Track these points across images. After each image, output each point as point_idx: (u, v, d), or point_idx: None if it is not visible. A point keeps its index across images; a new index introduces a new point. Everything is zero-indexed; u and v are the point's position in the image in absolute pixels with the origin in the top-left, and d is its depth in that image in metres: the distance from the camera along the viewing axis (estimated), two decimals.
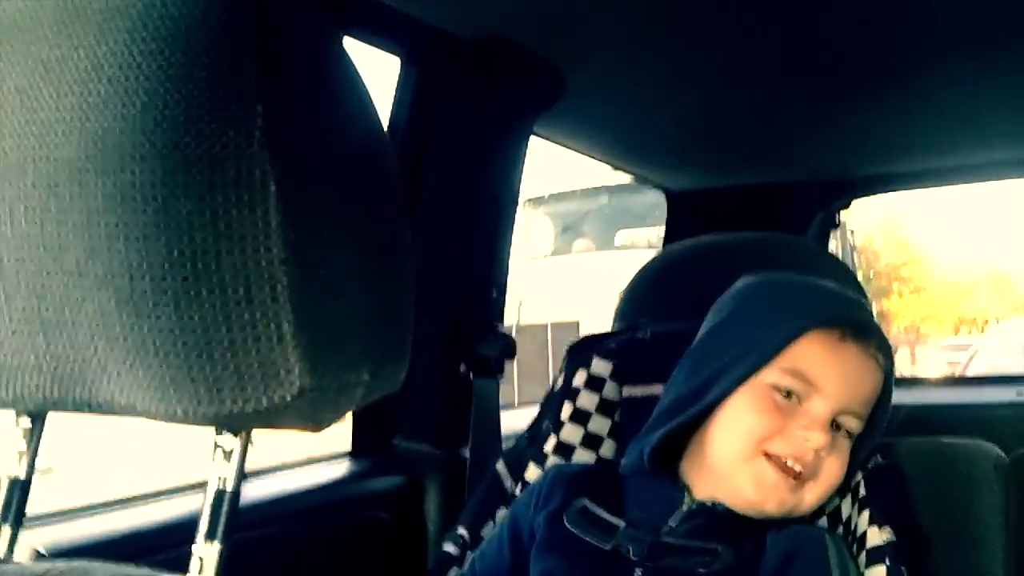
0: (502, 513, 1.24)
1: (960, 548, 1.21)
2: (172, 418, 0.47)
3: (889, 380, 1.05)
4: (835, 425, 1.02)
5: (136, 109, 0.44)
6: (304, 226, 0.45)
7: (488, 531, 1.24)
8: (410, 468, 1.55)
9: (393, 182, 0.52)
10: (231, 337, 0.44)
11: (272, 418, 0.46)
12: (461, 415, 1.58)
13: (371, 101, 0.52)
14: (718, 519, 1.03)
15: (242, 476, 0.52)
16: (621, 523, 1.05)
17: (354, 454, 1.58)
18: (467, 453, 1.55)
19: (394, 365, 0.51)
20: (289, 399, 0.45)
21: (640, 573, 1.01)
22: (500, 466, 1.30)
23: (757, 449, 1.01)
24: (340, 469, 1.53)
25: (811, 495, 1.02)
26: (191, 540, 0.52)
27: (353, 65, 0.52)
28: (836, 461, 1.02)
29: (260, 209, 0.44)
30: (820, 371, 1.01)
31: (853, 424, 1.03)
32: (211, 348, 0.44)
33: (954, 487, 1.24)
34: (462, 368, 1.60)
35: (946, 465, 1.25)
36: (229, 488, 0.52)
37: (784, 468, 1.00)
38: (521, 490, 1.25)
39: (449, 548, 1.22)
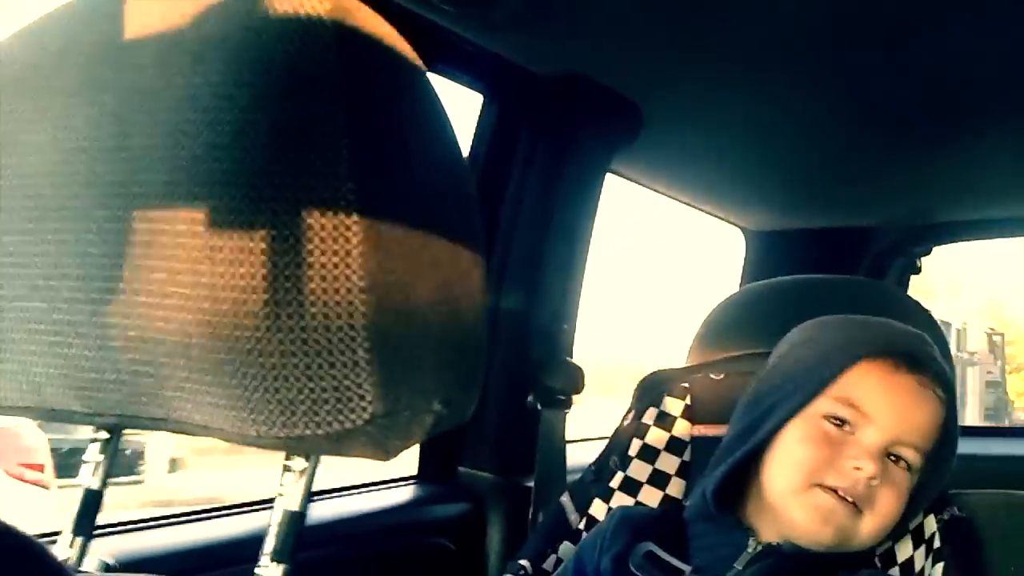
0: (565, 547, 1.24)
1: None
2: (245, 440, 0.48)
3: (951, 413, 1.02)
4: (892, 457, 1.00)
5: (227, 138, 0.46)
6: (384, 255, 0.46)
7: (550, 564, 1.23)
8: (474, 496, 1.56)
9: (472, 214, 0.53)
10: (307, 361, 0.45)
11: (342, 444, 0.47)
12: (527, 446, 1.58)
13: (454, 134, 0.53)
14: (786, 561, 1.01)
15: (309, 499, 0.53)
16: (687, 568, 1.04)
17: (420, 479, 1.59)
18: (531, 484, 1.55)
19: (465, 395, 0.52)
20: (360, 424, 0.46)
21: None
22: (565, 499, 1.29)
23: (808, 481, 0.99)
24: (405, 494, 1.54)
25: (868, 525, 0.99)
26: (253, 558, 0.53)
27: (438, 99, 0.53)
28: (892, 492, 0.99)
29: (342, 237, 0.45)
30: (871, 399, 0.99)
31: (910, 455, 1.00)
32: (287, 372, 0.45)
33: None
34: (529, 399, 1.61)
35: (1019, 518, 1.21)
36: (296, 509, 0.53)
37: (839, 498, 0.98)
38: (586, 526, 1.24)
39: None
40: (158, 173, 0.48)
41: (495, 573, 1.47)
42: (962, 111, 1.58)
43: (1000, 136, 1.67)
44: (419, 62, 0.52)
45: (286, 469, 0.54)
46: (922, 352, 1.03)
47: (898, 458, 1.00)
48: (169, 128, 0.48)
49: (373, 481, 1.52)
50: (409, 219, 0.48)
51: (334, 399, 0.46)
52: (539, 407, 1.60)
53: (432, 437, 1.41)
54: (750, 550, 1.02)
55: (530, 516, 1.49)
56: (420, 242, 0.48)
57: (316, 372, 0.45)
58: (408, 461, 1.63)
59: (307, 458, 0.53)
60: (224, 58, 0.47)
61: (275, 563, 0.52)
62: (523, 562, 1.23)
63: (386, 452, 0.49)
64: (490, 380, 1.62)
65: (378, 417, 0.46)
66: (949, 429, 1.02)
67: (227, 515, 1.18)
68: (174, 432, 0.52)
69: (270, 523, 0.53)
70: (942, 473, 1.04)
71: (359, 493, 1.47)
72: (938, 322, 1.36)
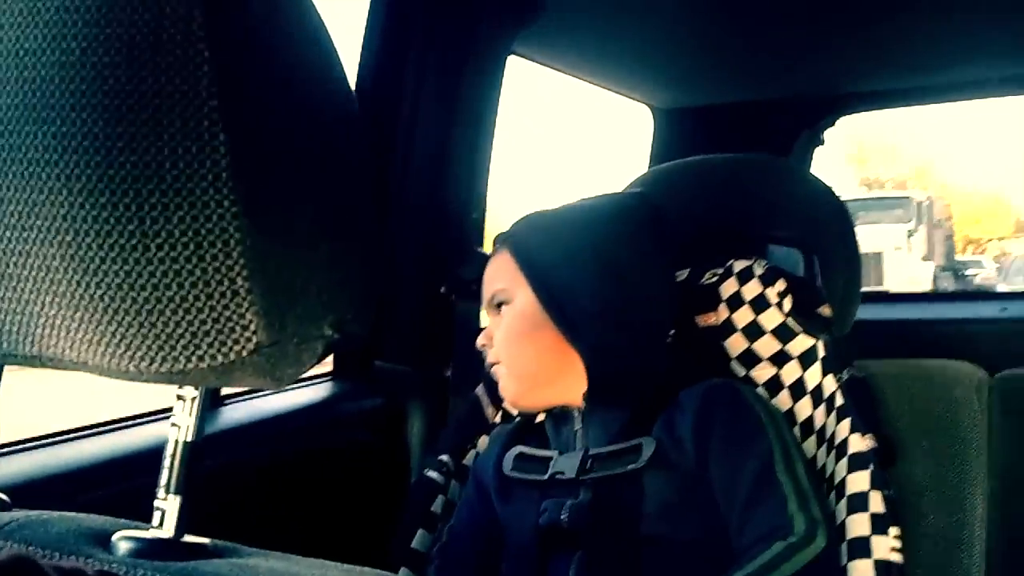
0: (483, 441, 1.25)
1: (941, 468, 1.22)
2: (124, 375, 0.46)
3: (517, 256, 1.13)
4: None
5: (75, 55, 0.42)
6: (258, 177, 0.44)
7: (470, 459, 1.25)
8: (392, 390, 1.55)
9: (354, 128, 0.50)
10: (182, 293, 0.43)
11: (229, 375, 0.45)
12: (443, 338, 1.58)
13: (331, 44, 0.50)
14: (599, 413, 1.10)
15: (202, 429, 0.51)
16: (554, 452, 1.11)
17: (335, 375, 1.58)
18: (448, 375, 1.56)
19: (359, 316, 0.50)
20: (246, 355, 0.44)
21: (584, 489, 1.05)
22: (480, 391, 1.30)
23: None
24: (321, 391, 1.53)
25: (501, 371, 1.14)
26: (152, 471, 0.51)
27: (313, 7, 0.49)
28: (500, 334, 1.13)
29: (210, 160, 0.42)
30: None
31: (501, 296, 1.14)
32: (161, 305, 0.43)
33: (935, 409, 1.24)
34: (443, 290, 1.60)
35: (925, 387, 1.26)
36: (190, 439, 0.51)
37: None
38: (502, 419, 1.26)
39: (432, 475, 1.23)
40: (5, 97, 0.44)
41: (416, 466, 1.48)
42: None
43: (904, 3, 1.67)
44: None
45: (178, 398, 0.52)
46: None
47: (499, 303, 1.14)
48: (12, 47, 0.43)
49: None
50: (285, 136, 0.45)
51: (215, 331, 0.44)
52: (452, 298, 1.59)
53: None
54: (577, 414, 1.11)
55: (449, 407, 1.50)
56: (298, 161, 0.46)
57: (193, 304, 0.43)
58: None
59: (197, 387, 0.51)
60: None
61: (172, 495, 0.51)
62: (443, 457, 1.25)
63: (277, 381, 0.47)
64: (402, 272, 1.60)
65: (264, 346, 0.44)
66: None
67: (123, 428, 1.15)
68: (52, 368, 0.50)
69: (163, 454, 0.51)
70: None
71: (273, 393, 1.45)
72: (837, 196, 1.39)
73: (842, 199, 1.40)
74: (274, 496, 1.29)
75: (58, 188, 0.43)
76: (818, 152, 2.34)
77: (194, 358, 0.44)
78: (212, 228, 0.42)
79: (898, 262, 12.24)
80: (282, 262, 0.45)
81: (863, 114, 2.35)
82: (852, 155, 27.01)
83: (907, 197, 14.12)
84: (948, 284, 13.54)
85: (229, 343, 0.44)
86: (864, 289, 1.40)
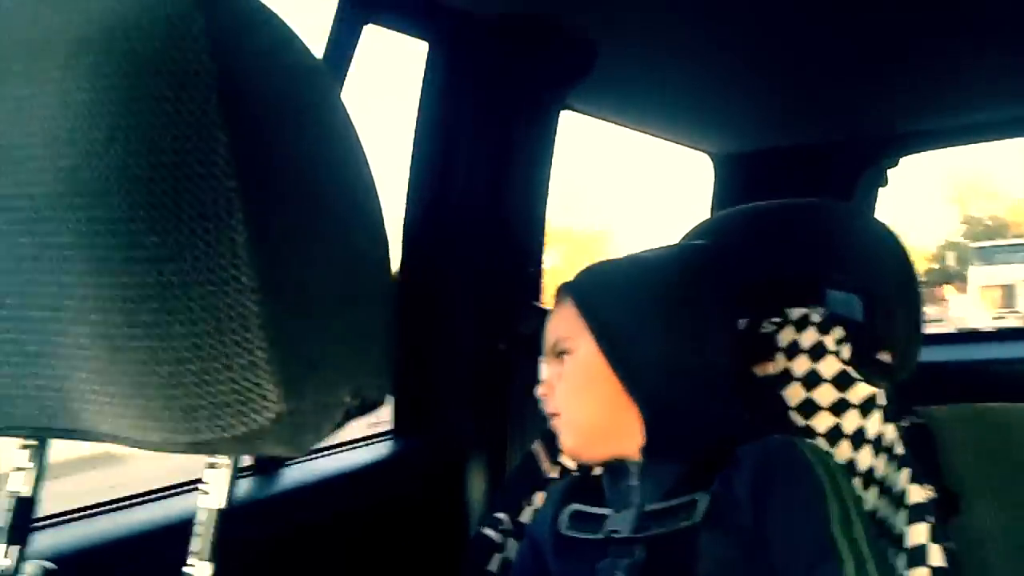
0: (540, 497, 1.25)
1: (1007, 516, 1.18)
2: (152, 446, 0.47)
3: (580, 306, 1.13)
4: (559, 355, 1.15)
5: (101, 144, 0.44)
6: (275, 253, 0.45)
7: (527, 516, 1.25)
8: (451, 447, 1.56)
9: (371, 199, 0.52)
10: (204, 367, 0.44)
11: (251, 444, 0.47)
12: (501, 394, 1.58)
13: (349, 123, 0.51)
14: (653, 473, 1.08)
15: (232, 496, 0.52)
16: (609, 511, 1.10)
17: (396, 433, 1.60)
18: (507, 431, 1.56)
19: (376, 382, 0.51)
20: (267, 424, 0.46)
21: (639, 548, 1.04)
22: (537, 446, 1.30)
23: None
24: (382, 449, 1.54)
25: (560, 424, 1.14)
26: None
27: (329, 84, 0.52)
28: (563, 385, 1.13)
29: (226, 239, 0.44)
30: None
31: (563, 346, 1.14)
32: (184, 378, 0.45)
33: (999, 454, 1.20)
34: (501, 346, 1.60)
35: (990, 432, 1.22)
36: (221, 507, 0.52)
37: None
38: (560, 474, 1.25)
39: (489, 533, 1.23)
40: (40, 186, 0.46)
41: (476, 524, 1.48)
42: (923, 18, 1.55)
43: (963, 42, 1.65)
44: (303, 42, 0.51)
45: (210, 466, 0.54)
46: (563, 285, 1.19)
47: (560, 353, 1.14)
48: (46, 138, 0.46)
49: (345, 441, 1.52)
50: (299, 212, 0.47)
51: (236, 401, 0.45)
52: (511, 353, 1.60)
53: (406, 389, 1.42)
54: (633, 471, 1.10)
55: (507, 465, 1.50)
56: (313, 234, 0.47)
57: (215, 376, 0.45)
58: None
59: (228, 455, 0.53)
60: (93, 60, 0.45)
61: (201, 562, 0.52)
62: (500, 515, 1.25)
63: (298, 448, 0.48)
64: (460, 328, 1.61)
65: (284, 416, 0.46)
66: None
67: (157, 499, 1.18)
68: (86, 441, 0.52)
69: (195, 522, 0.53)
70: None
71: (334, 452, 1.47)
72: (898, 238, 1.36)
73: (904, 246, 1.37)
74: (333, 557, 1.30)
75: (88, 270, 0.45)
76: (920, 194, 2.32)
77: (217, 428, 0.46)
78: (231, 303, 0.44)
79: None
80: (299, 334, 0.46)
81: (961, 157, 2.33)
82: (952, 196, 29.49)
83: None
84: None
85: (250, 413, 0.45)
86: (928, 331, 1.37)
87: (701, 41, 1.68)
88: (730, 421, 1.10)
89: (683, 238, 1.47)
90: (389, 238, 0.53)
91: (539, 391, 1.17)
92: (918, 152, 2.27)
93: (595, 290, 1.14)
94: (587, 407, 1.11)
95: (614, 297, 1.12)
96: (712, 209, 2.39)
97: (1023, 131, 2.12)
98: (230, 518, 0.53)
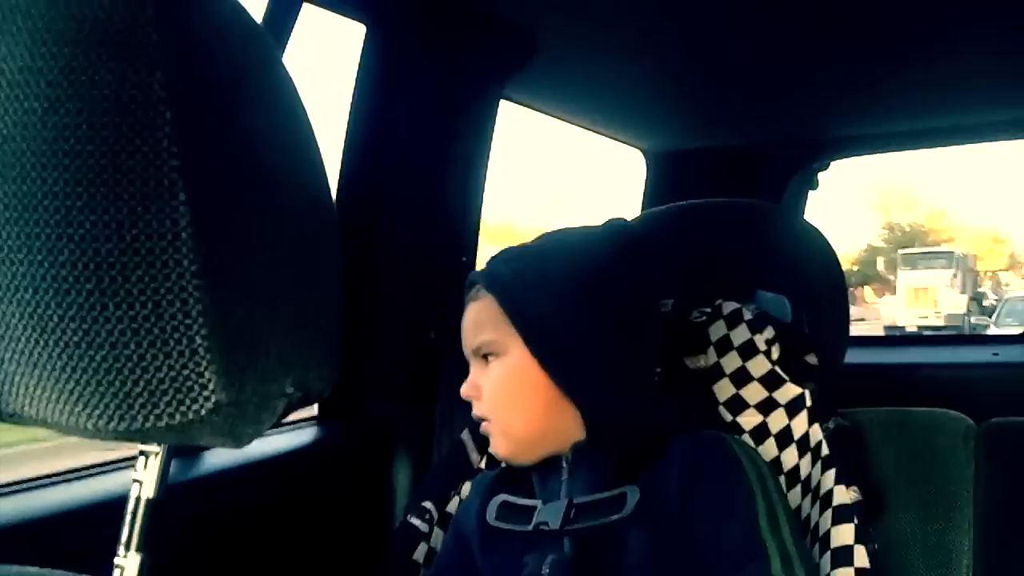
0: (467, 487, 1.24)
1: (926, 519, 1.20)
2: (82, 432, 0.45)
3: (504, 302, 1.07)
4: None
5: (37, 115, 0.42)
6: (219, 236, 0.43)
7: (453, 506, 1.24)
8: (377, 434, 1.55)
9: (321, 183, 0.51)
10: (140, 352, 0.43)
11: (187, 434, 0.45)
12: (429, 382, 1.57)
13: (300, 106, 0.50)
14: (584, 465, 1.06)
15: (164, 485, 0.50)
16: (538, 502, 1.07)
17: (321, 420, 1.57)
18: (435, 419, 1.55)
19: (321, 372, 0.50)
20: (204, 414, 0.44)
21: (567, 541, 1.03)
22: (465, 435, 1.29)
23: None
24: (306, 435, 1.52)
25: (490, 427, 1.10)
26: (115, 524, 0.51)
27: (278, 60, 0.50)
28: (488, 384, 1.08)
29: (168, 221, 0.42)
30: None
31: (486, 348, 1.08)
32: (119, 363, 0.43)
33: (920, 458, 1.23)
34: (431, 334, 1.59)
35: (911, 436, 1.25)
36: (151, 495, 0.50)
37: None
38: (487, 464, 1.25)
39: (415, 522, 1.22)
40: None
41: (402, 510, 1.47)
42: (858, 25, 1.58)
43: (896, 49, 1.68)
44: (250, 14, 0.49)
45: (141, 454, 0.52)
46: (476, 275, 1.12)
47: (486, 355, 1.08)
48: None
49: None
50: (247, 197, 0.45)
51: (173, 389, 0.43)
52: (440, 342, 1.59)
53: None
54: (564, 465, 1.07)
55: (434, 454, 1.49)
56: (261, 221, 0.46)
57: (152, 363, 0.43)
58: None
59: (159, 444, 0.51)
60: (29, 28, 0.43)
61: (131, 553, 0.50)
62: (427, 504, 1.23)
63: (236, 440, 0.47)
64: (389, 316, 1.60)
65: (223, 406, 0.44)
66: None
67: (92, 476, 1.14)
68: (13, 424, 0.49)
69: (124, 511, 0.51)
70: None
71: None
72: (827, 241, 1.39)
73: (833, 248, 1.39)
74: (256, 543, 1.28)
75: (18, 246, 0.43)
76: (844, 201, 2.38)
77: (152, 417, 0.44)
78: (171, 287, 0.42)
79: (944, 294, 19.84)
80: (242, 322, 0.44)
81: (885, 166, 2.38)
82: (875, 204, 32.16)
83: (952, 252, 22.05)
84: (974, 307, 20.29)
85: (187, 402, 0.44)
86: (854, 333, 1.40)
87: (638, 38, 1.69)
88: (663, 413, 1.10)
89: None
90: (338, 228, 0.51)
91: (464, 392, 1.10)
92: (848, 157, 2.31)
93: (517, 282, 1.07)
94: (523, 415, 1.07)
95: (539, 291, 1.06)
96: (643, 206, 2.40)
97: (946, 140, 2.18)
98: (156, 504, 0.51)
